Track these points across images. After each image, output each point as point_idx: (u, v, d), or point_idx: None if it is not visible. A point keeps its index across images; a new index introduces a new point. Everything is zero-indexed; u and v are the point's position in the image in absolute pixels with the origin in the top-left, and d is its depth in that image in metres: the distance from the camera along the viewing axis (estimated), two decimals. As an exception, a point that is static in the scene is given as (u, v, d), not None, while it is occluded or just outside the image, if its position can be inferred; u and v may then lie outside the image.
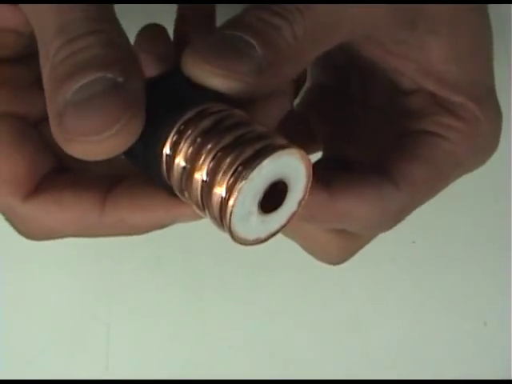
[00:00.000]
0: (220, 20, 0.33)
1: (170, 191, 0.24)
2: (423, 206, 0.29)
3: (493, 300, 0.43)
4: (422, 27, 0.26)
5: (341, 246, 0.29)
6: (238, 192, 0.20)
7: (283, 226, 0.23)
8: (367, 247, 0.31)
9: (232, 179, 0.21)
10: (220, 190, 0.21)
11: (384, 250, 0.31)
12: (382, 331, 0.44)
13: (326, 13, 0.24)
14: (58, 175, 0.25)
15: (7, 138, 0.25)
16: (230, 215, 0.21)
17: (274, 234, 0.22)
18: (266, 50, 0.23)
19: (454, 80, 0.27)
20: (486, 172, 0.30)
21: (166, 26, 0.33)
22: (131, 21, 0.32)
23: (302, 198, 0.22)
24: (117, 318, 0.43)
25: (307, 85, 0.34)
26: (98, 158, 0.21)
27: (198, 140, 0.22)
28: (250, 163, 0.20)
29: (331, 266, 0.31)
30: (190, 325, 0.43)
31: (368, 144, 0.30)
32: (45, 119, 0.23)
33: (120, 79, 0.20)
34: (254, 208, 0.21)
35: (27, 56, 0.25)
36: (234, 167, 0.21)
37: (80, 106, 0.20)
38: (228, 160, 0.21)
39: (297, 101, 0.34)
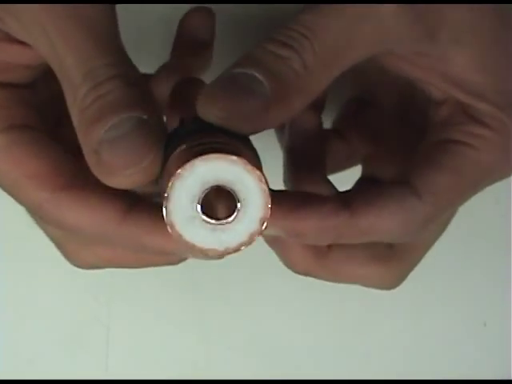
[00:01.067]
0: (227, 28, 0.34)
1: None
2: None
3: (493, 300, 0.43)
4: (443, 37, 0.26)
5: (388, 272, 0.30)
6: (173, 182, 0.22)
7: (245, 244, 0.23)
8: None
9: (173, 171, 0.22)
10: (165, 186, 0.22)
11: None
12: (382, 331, 0.44)
13: (336, 35, 0.24)
14: (90, 180, 0.27)
15: (26, 142, 0.27)
16: (167, 202, 0.22)
17: (235, 250, 0.23)
18: (273, 85, 0.23)
19: (481, 89, 0.27)
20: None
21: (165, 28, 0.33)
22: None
23: (264, 218, 0.23)
24: (117, 318, 0.43)
25: (344, 99, 0.34)
26: (140, 184, 0.24)
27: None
28: (189, 160, 0.22)
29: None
30: (189, 325, 0.43)
31: (402, 157, 0.30)
32: (56, 131, 0.28)
33: (144, 116, 0.23)
34: (194, 207, 0.22)
35: (35, 81, 0.28)
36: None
37: (115, 143, 0.23)
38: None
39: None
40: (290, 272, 0.30)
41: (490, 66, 0.27)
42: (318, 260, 0.29)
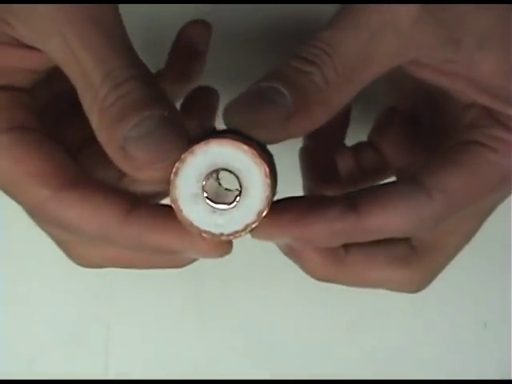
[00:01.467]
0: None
1: None
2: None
3: (493, 300, 0.43)
4: (468, 43, 0.25)
5: (411, 273, 0.29)
6: (185, 157, 0.23)
7: (240, 233, 0.24)
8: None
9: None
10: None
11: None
12: (382, 331, 0.44)
13: (355, 51, 0.24)
14: (91, 180, 0.27)
15: (28, 142, 0.27)
16: (175, 176, 0.23)
17: (229, 237, 0.24)
18: (295, 97, 0.24)
19: (509, 94, 0.26)
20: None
21: (169, 27, 0.34)
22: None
23: (262, 211, 0.23)
24: (117, 318, 0.43)
25: (378, 112, 0.34)
26: (167, 179, 0.24)
27: None
28: (199, 140, 0.23)
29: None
30: (190, 325, 0.43)
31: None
32: (55, 133, 0.28)
33: (166, 113, 0.24)
34: (200, 186, 0.23)
35: (36, 85, 0.28)
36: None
37: (141, 141, 0.23)
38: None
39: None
40: (290, 272, 0.30)
41: None
42: (337, 264, 0.29)
